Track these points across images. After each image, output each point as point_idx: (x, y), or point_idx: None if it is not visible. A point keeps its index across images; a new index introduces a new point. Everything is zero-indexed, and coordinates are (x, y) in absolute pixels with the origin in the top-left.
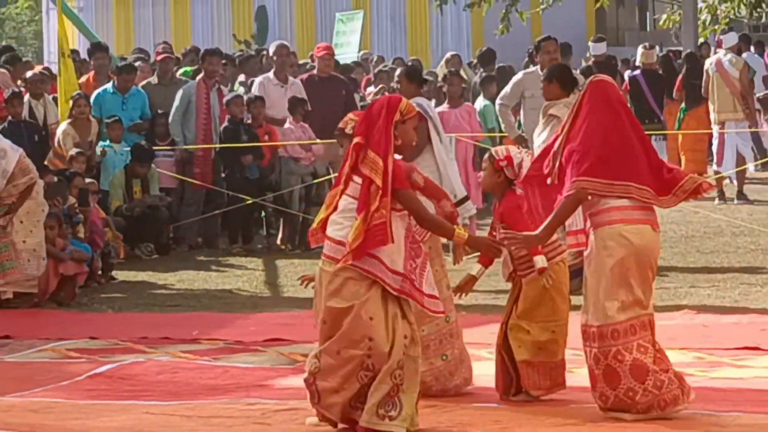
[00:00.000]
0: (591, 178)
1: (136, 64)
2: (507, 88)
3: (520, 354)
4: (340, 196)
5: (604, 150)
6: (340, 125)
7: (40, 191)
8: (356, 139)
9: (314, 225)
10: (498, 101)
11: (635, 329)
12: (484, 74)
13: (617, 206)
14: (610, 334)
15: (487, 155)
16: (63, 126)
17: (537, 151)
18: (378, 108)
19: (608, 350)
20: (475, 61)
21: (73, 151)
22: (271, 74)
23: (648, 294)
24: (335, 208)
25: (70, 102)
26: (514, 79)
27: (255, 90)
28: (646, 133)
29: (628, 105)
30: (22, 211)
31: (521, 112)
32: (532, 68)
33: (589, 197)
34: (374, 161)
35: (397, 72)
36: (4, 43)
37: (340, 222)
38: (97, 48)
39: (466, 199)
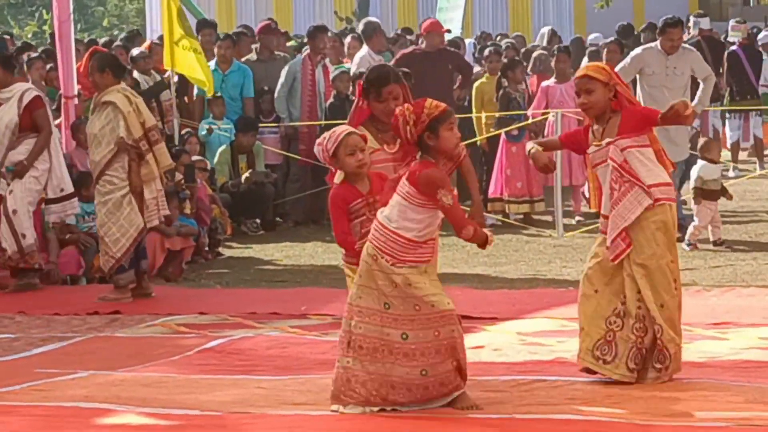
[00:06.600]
0: None
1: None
2: (626, 61)
3: None
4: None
5: None
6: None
7: None
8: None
9: None
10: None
11: None
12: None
13: None
14: None
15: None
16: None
17: None
18: None
19: None
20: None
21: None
22: (368, 50)
23: None
24: None
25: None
26: (633, 53)
27: (356, 66)
28: (746, 108)
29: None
30: None
31: (639, 90)
32: (651, 44)
33: None
34: None
35: None
36: (105, 22)
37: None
38: (204, 24)
39: (72, 195)
